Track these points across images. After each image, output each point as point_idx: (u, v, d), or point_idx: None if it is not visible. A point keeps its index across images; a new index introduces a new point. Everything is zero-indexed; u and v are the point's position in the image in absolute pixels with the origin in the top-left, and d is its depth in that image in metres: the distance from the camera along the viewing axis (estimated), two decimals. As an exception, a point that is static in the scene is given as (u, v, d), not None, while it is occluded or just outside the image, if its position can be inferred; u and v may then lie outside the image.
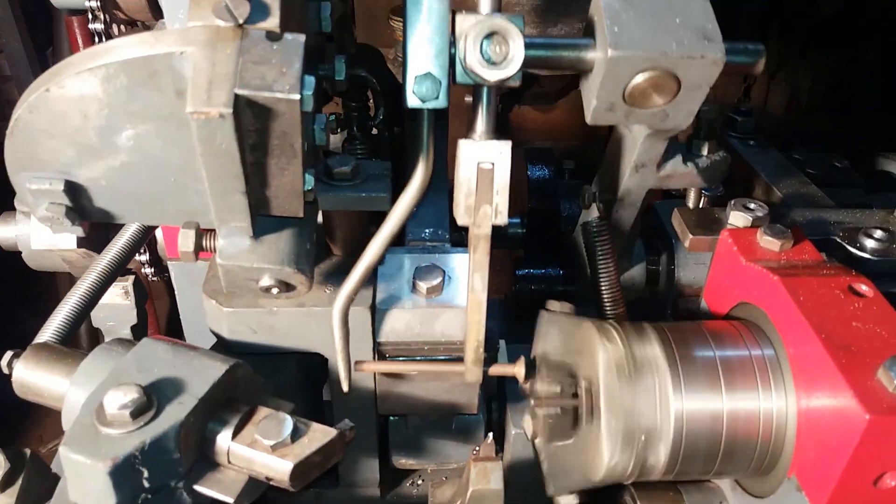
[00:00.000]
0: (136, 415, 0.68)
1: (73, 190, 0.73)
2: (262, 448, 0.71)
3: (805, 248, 0.86)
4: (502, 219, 0.75)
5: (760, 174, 1.11)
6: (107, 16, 1.11)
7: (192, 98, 0.60)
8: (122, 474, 0.67)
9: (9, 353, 0.87)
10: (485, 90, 0.73)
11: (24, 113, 0.67)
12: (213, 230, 0.77)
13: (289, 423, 0.70)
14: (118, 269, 0.99)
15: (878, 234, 0.92)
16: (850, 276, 0.78)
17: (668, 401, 0.78)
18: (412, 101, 0.69)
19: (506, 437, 1.00)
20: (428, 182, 0.72)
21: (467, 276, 0.88)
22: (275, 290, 0.76)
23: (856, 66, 3.86)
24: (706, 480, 0.93)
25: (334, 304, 0.78)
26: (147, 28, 1.34)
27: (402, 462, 1.02)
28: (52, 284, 4.29)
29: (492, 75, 0.69)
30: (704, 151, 0.92)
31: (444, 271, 0.88)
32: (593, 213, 0.96)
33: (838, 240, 0.93)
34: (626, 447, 0.79)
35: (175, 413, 0.70)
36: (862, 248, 0.92)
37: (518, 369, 0.86)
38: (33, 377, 0.82)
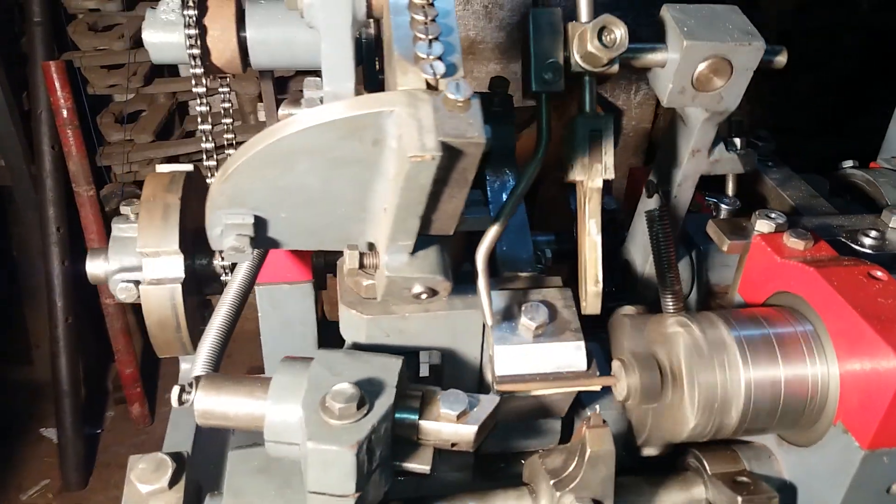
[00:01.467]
0: (359, 406, 0.82)
1: (258, 223, 0.87)
2: (449, 419, 0.87)
3: (822, 247, 1.08)
4: (610, 174, 1.00)
5: (777, 189, 1.33)
6: (203, 67, 1.25)
7: (410, 145, 0.73)
8: (363, 456, 0.81)
9: (177, 388, 0.97)
10: (587, 79, 1.02)
11: (243, 163, 0.81)
12: (368, 251, 0.93)
13: (464, 396, 0.86)
14: (246, 295, 1.12)
15: (873, 233, 1.15)
16: (867, 266, 1.00)
17: (738, 372, 0.97)
18: (539, 86, 0.96)
19: (579, 417, 1.17)
20: (546, 154, 0.93)
21: (564, 305, 1.05)
22: (424, 296, 0.92)
23: (790, 95, 4.27)
24: (748, 442, 1.12)
25: (478, 250, 0.97)
26: (222, 78, 1.47)
27: (491, 449, 1.17)
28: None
29: (608, 54, 0.99)
30: (738, 145, 1.21)
31: (546, 308, 1.01)
32: (652, 204, 1.16)
33: (843, 239, 1.15)
34: (706, 414, 0.98)
35: (384, 401, 0.85)
36: (862, 245, 1.14)
37: (614, 380, 1.04)
38: (218, 404, 0.91)
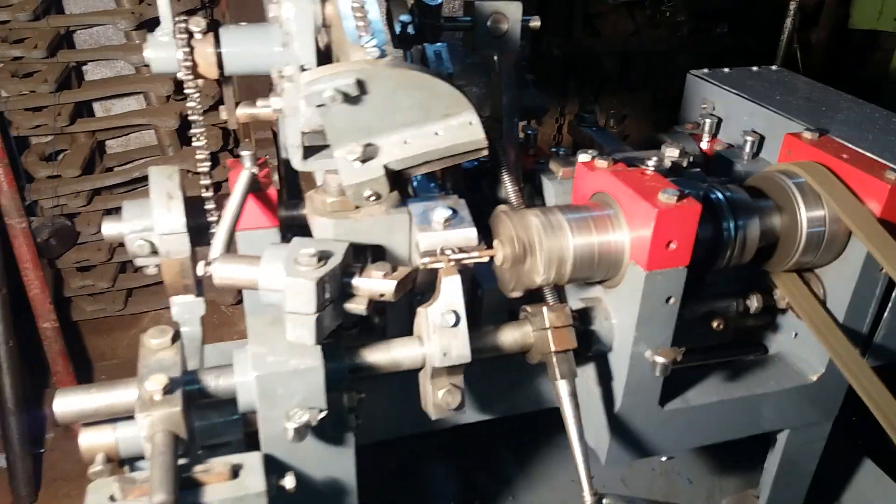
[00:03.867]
0: (318, 260, 1.33)
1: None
2: (377, 277, 1.39)
3: (619, 166, 1.68)
4: None
5: (598, 141, 1.95)
6: (192, 73, 1.73)
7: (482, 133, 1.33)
8: (320, 288, 1.31)
9: (202, 263, 1.46)
10: None
11: (411, 73, 1.29)
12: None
13: (388, 265, 1.39)
14: (239, 210, 1.60)
15: (654, 158, 1.77)
16: (641, 168, 1.61)
17: (568, 241, 1.55)
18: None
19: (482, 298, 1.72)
20: None
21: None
22: (372, 198, 1.44)
23: (633, 107, 5.09)
24: (590, 298, 1.70)
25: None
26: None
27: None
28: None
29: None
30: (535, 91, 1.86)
31: (450, 209, 1.52)
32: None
33: (636, 163, 1.77)
34: (551, 268, 1.55)
35: (334, 260, 1.36)
36: (646, 165, 1.76)
37: (494, 252, 1.60)
38: (231, 271, 1.39)
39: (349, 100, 1.30)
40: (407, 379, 1.58)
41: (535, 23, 1.76)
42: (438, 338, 1.45)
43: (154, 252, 1.77)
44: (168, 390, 1.30)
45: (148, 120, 4.26)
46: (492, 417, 1.90)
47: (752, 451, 2.39)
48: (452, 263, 1.48)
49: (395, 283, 1.41)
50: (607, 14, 4.68)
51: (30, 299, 4.01)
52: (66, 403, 1.35)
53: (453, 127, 1.39)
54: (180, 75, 1.75)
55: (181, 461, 1.30)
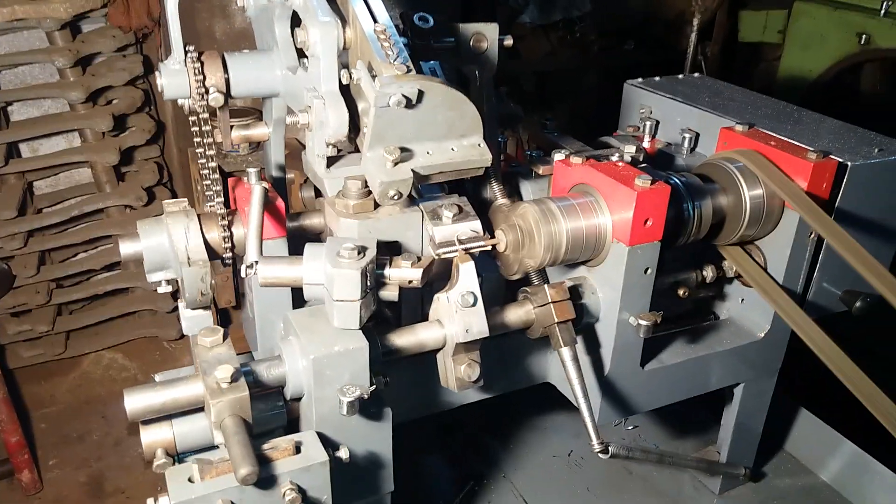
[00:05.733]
0: (357, 253, 1.51)
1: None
2: (406, 266, 1.57)
3: (591, 161, 1.94)
4: None
5: (561, 144, 2.21)
6: (204, 98, 1.86)
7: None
8: (363, 278, 1.49)
9: (244, 266, 1.60)
10: None
11: (452, 91, 1.52)
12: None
13: (414, 255, 1.58)
14: (262, 216, 1.74)
15: (617, 154, 2.04)
16: (615, 161, 1.87)
17: (561, 225, 1.78)
18: None
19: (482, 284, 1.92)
20: None
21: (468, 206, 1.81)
22: (395, 197, 1.62)
23: (555, 123, 5.43)
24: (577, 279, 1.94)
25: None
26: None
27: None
28: None
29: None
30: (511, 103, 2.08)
31: (457, 206, 1.74)
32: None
33: (601, 159, 2.03)
34: (547, 251, 1.78)
35: (370, 252, 1.54)
36: (612, 161, 2.03)
37: (498, 240, 1.81)
38: (275, 271, 1.55)
39: (407, 105, 1.49)
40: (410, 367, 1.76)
41: (508, 41, 2.00)
42: (460, 317, 1.64)
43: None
44: (234, 378, 1.43)
45: (86, 157, 4.24)
46: (491, 396, 2.10)
47: (705, 415, 2.70)
48: (465, 251, 1.69)
49: (421, 270, 1.60)
50: (526, 36, 5.03)
51: (-30, 347, 3.90)
52: (136, 401, 1.45)
53: (465, 146, 1.62)
54: (182, 101, 1.89)
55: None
